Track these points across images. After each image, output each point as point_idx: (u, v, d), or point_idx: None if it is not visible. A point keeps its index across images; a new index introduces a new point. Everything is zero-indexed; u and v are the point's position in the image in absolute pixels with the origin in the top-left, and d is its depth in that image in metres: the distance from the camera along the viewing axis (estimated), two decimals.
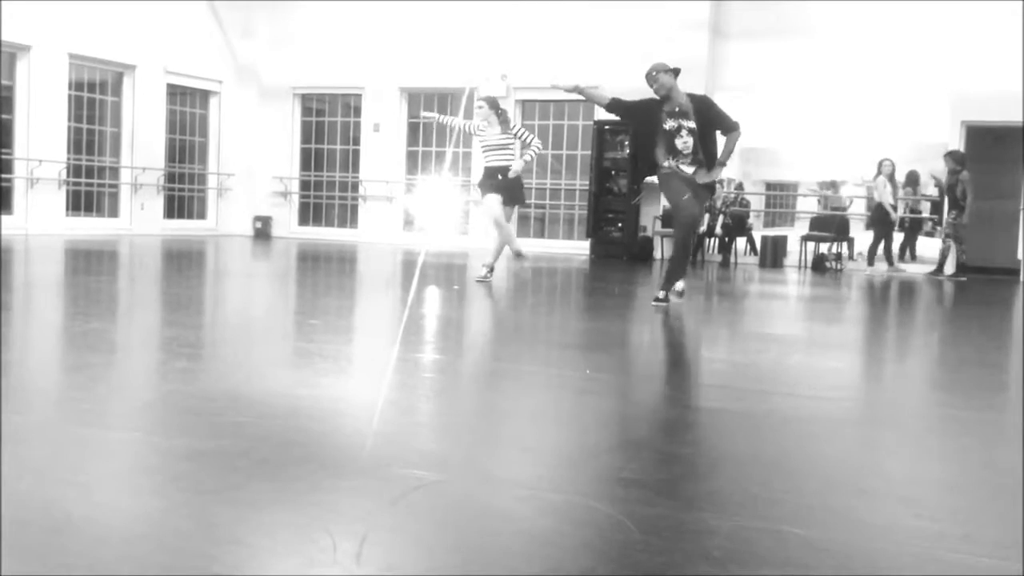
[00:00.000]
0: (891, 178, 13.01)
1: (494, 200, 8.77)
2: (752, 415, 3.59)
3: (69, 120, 14.96)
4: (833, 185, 16.29)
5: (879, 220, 13.05)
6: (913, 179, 15.13)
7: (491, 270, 8.83)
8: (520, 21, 15.68)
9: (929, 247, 14.67)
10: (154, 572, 1.80)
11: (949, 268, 12.90)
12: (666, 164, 7.14)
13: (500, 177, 8.79)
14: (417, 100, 16.98)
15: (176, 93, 16.89)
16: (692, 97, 7.21)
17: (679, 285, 7.18)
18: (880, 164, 13.07)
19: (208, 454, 2.61)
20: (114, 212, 15.97)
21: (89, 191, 15.64)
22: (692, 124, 7.09)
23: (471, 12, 15.94)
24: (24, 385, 3.63)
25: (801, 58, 14.20)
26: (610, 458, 2.84)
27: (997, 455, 3.09)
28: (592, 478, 2.61)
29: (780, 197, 16.24)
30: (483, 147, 8.94)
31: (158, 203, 16.45)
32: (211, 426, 2.96)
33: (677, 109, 7.10)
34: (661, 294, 7.11)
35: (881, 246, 13.14)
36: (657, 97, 7.14)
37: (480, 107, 8.98)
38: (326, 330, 5.64)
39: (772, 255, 14.18)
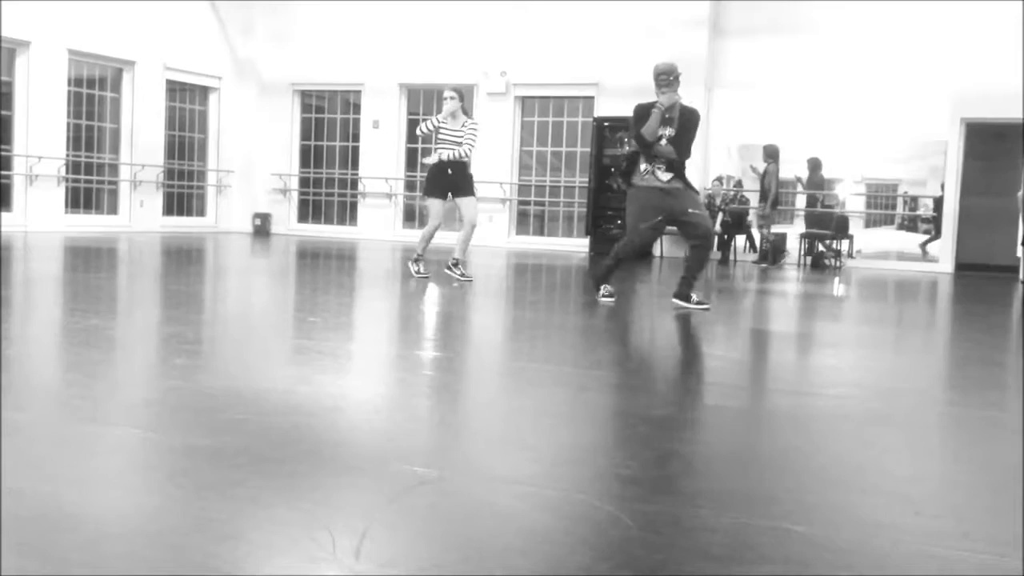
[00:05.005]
0: None
1: (440, 205, 8.82)
2: (751, 412, 3.59)
3: (68, 116, 14.96)
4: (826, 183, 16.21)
5: None
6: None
7: (457, 264, 8.74)
8: (519, 18, 15.67)
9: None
10: (153, 569, 1.80)
11: (768, 257, 13.54)
12: (643, 168, 7.03)
13: (451, 172, 8.72)
14: (417, 96, 16.98)
15: (175, 89, 16.88)
16: (686, 108, 7.06)
17: (607, 288, 7.23)
18: None
19: (207, 451, 2.61)
20: (113, 209, 15.97)
21: (88, 188, 15.64)
22: (671, 131, 6.96)
23: (471, 8, 15.93)
24: (24, 381, 3.63)
25: (800, 55, 14.21)
26: (609, 455, 2.84)
27: (997, 453, 3.09)
28: (591, 475, 2.60)
29: (779, 194, 16.20)
30: (440, 140, 8.74)
31: (157, 200, 16.45)
32: (210, 423, 2.95)
33: (668, 116, 6.94)
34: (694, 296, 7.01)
35: None
36: (672, 99, 6.92)
37: (452, 97, 8.78)
38: (325, 327, 5.64)
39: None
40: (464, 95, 8.98)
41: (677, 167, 7.03)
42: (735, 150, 15.02)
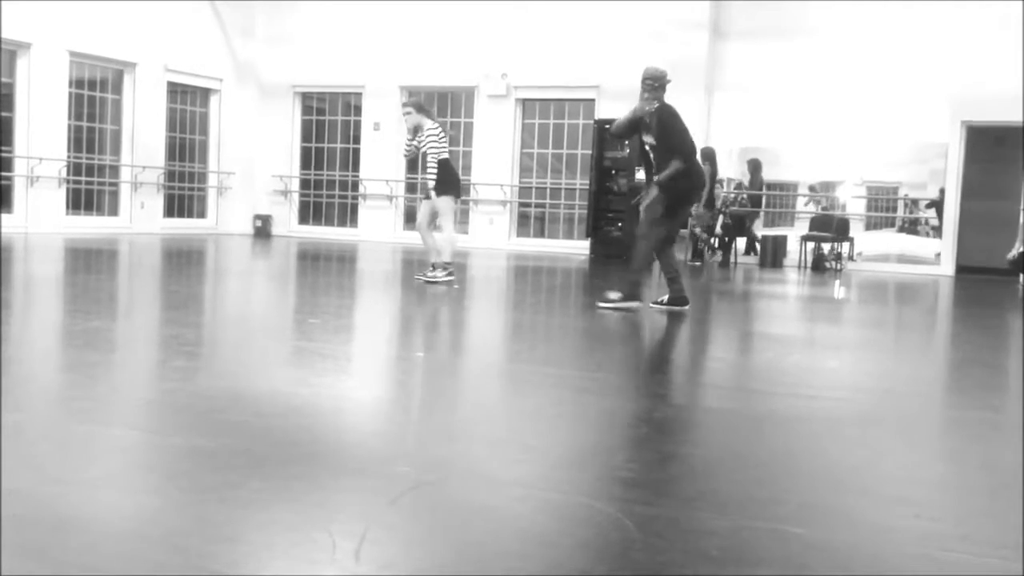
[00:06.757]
0: None
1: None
2: (751, 415, 3.59)
3: (69, 118, 14.95)
4: (824, 186, 16.22)
5: None
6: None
7: (442, 268, 8.44)
8: (520, 19, 15.68)
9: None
10: (153, 570, 1.80)
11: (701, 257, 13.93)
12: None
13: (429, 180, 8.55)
14: (417, 99, 16.95)
15: (176, 91, 16.88)
16: (659, 108, 6.78)
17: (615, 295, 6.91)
18: None
19: (207, 452, 2.61)
20: (114, 210, 15.96)
21: (89, 189, 15.63)
22: (652, 139, 6.80)
23: (472, 10, 15.93)
24: (24, 382, 3.63)
25: (801, 58, 14.20)
26: (609, 457, 2.84)
27: (996, 455, 3.09)
28: (591, 477, 2.61)
29: (780, 197, 16.22)
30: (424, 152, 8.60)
31: (158, 201, 16.44)
32: (210, 424, 2.96)
33: (648, 123, 6.78)
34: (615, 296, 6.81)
35: None
36: (643, 108, 6.76)
37: (408, 113, 8.60)
38: (325, 329, 5.64)
39: (772, 255, 14.19)
40: (421, 103, 8.76)
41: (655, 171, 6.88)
42: (736, 153, 15.02)
